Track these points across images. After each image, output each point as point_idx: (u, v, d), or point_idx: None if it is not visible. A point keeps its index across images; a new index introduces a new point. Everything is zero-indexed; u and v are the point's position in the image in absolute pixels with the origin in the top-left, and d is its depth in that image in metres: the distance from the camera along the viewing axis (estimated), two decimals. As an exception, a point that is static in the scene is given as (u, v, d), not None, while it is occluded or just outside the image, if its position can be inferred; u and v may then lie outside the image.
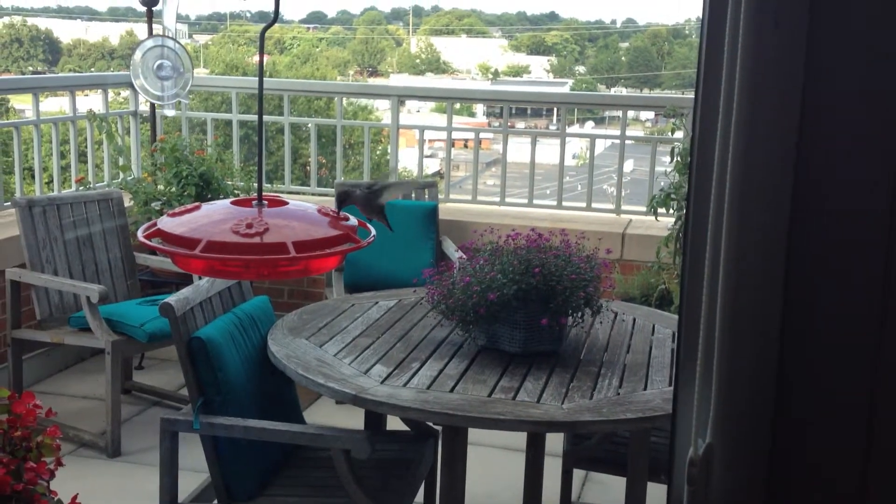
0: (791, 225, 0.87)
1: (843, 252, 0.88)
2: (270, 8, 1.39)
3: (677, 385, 0.97)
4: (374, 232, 1.50)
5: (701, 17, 0.89)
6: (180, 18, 5.42)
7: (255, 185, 5.36)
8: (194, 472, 3.13)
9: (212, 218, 1.43)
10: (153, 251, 4.44)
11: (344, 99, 6.11)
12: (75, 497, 2.00)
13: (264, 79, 1.56)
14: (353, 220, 1.48)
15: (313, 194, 6.02)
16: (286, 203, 1.47)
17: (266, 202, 1.44)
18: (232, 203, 1.46)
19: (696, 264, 0.90)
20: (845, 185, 0.88)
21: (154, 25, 5.50)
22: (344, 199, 1.61)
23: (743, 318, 0.88)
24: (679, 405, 0.94)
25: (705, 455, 0.87)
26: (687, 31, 60.56)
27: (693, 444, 0.89)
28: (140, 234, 1.41)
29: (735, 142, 0.84)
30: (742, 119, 0.83)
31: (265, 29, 1.42)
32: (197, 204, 1.48)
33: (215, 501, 2.77)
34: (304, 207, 1.51)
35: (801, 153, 0.87)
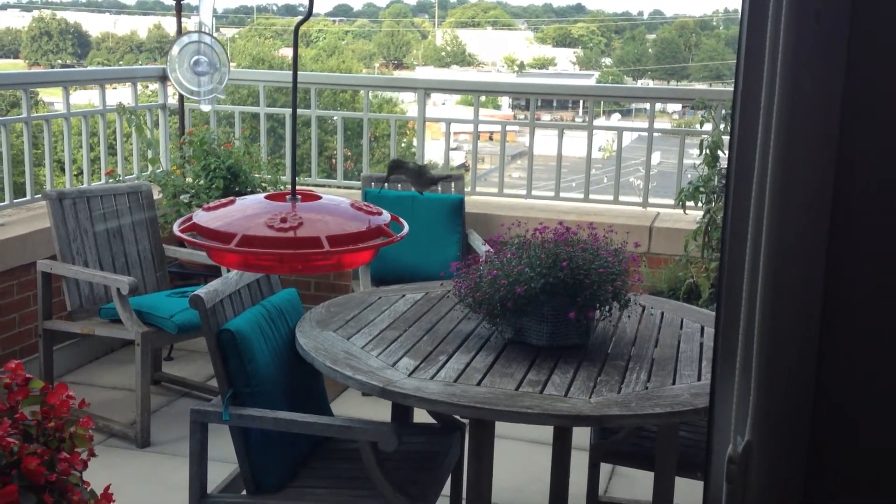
0: (832, 220, 0.86)
1: (884, 247, 0.87)
2: (296, 1, 1.39)
3: (714, 381, 0.96)
4: (406, 226, 1.50)
5: (740, 9, 0.88)
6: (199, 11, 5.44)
7: (283, 177, 5.41)
8: (223, 462, 3.16)
9: (246, 212, 1.43)
10: (182, 243, 4.45)
11: (369, 92, 6.12)
12: (107, 488, 2.02)
13: (292, 72, 1.56)
14: (386, 215, 1.49)
15: (339, 187, 6.03)
16: (319, 197, 1.47)
17: (300, 196, 1.45)
18: (266, 197, 1.46)
19: (736, 260, 0.89)
20: (886, 180, 0.87)
21: (183, 19, 5.53)
22: (395, 168, 1.61)
23: (783, 315, 0.87)
24: (717, 402, 0.94)
25: (744, 452, 0.87)
26: (714, 23, 60.06)
27: (732, 442, 0.88)
28: (176, 228, 1.42)
29: (776, 137, 0.83)
30: (783, 113, 0.83)
31: (299, 24, 1.42)
32: (231, 198, 1.49)
33: (244, 492, 2.79)
34: (338, 202, 1.51)
35: (842, 148, 0.86)
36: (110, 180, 5.19)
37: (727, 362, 0.92)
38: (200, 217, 1.42)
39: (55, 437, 1.94)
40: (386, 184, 1.61)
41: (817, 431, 0.89)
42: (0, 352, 4.40)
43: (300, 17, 1.49)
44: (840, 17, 0.83)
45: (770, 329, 0.87)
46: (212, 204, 1.47)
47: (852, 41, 0.84)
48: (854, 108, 0.85)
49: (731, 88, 0.99)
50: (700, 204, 4.71)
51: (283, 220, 1.35)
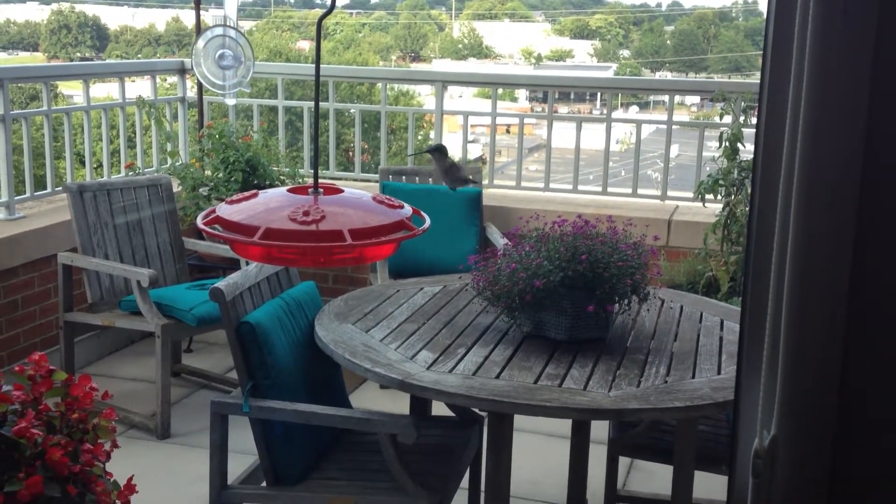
0: (859, 214, 0.86)
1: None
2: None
3: (740, 374, 0.96)
4: (427, 220, 1.51)
5: (766, 4, 0.87)
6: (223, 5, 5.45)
7: (301, 170, 5.42)
8: (243, 454, 3.17)
9: (269, 205, 1.44)
10: (202, 236, 4.46)
11: (386, 84, 6.13)
12: (131, 478, 2.04)
13: (310, 65, 1.56)
14: (408, 208, 1.49)
15: (356, 180, 6.04)
16: (342, 191, 1.48)
17: (322, 190, 1.45)
18: (288, 191, 1.47)
19: (762, 254, 0.89)
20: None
21: (201, 12, 5.54)
22: (436, 150, 1.61)
23: (809, 309, 0.86)
24: (742, 396, 0.93)
25: (770, 447, 0.86)
26: (734, 14, 59.68)
27: (759, 436, 0.88)
28: (199, 221, 1.43)
29: (804, 132, 0.82)
30: (811, 108, 0.82)
31: (322, 18, 1.42)
32: (254, 191, 1.50)
33: (264, 483, 2.80)
34: (360, 195, 1.52)
35: (870, 142, 0.85)
36: (130, 173, 5.22)
37: (753, 356, 0.92)
38: (224, 210, 1.43)
39: (78, 429, 1.96)
40: (414, 157, 1.59)
41: (844, 426, 0.89)
42: (21, 343, 4.44)
43: (319, 10, 1.50)
44: (868, 10, 0.82)
45: (797, 324, 0.86)
46: (235, 197, 1.48)
47: (880, 35, 0.83)
48: (883, 102, 0.85)
49: (751, 80, 0.98)
50: (719, 197, 4.69)
51: (306, 214, 1.36)
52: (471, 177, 1.82)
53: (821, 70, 0.82)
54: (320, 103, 6.01)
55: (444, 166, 1.70)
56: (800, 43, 0.83)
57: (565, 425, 3.45)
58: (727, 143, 4.64)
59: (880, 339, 0.89)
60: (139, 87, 6.07)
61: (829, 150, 0.85)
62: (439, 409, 3.06)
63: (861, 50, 0.83)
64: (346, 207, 1.44)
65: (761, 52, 0.93)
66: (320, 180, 1.52)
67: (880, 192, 0.87)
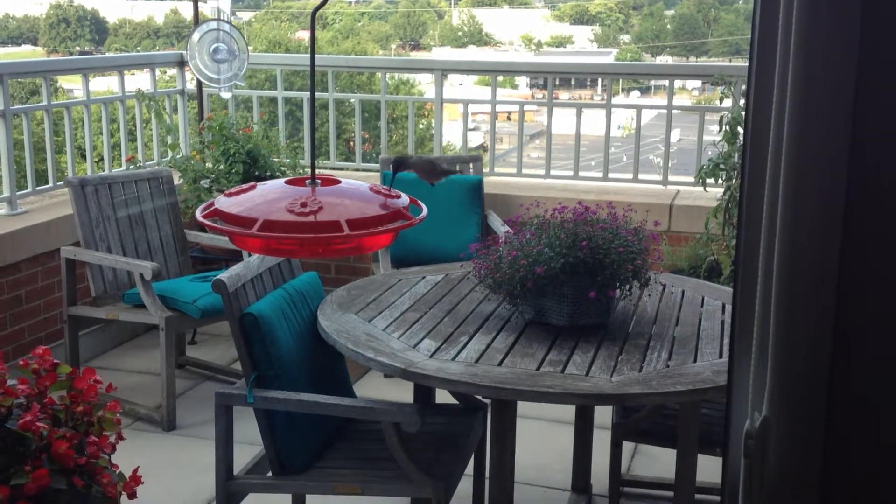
0: (848, 193, 0.86)
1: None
2: (312, -17, 1.38)
3: (732, 357, 0.97)
4: (425, 209, 1.51)
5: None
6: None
7: (301, 161, 5.42)
8: (248, 444, 3.19)
9: (267, 197, 1.45)
10: (203, 228, 4.48)
11: (386, 74, 6.13)
12: (136, 470, 2.06)
13: (309, 55, 1.57)
14: (405, 198, 1.50)
15: (357, 170, 6.05)
16: (339, 182, 1.48)
17: (319, 181, 1.46)
18: (286, 182, 1.48)
19: (752, 236, 0.89)
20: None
21: (199, 4, 5.54)
22: (399, 165, 1.62)
23: (799, 291, 0.87)
24: (735, 377, 0.94)
25: (762, 428, 0.87)
26: (734, -3, 59.38)
27: (750, 417, 0.89)
28: (198, 214, 1.44)
29: (790, 119, 0.83)
30: (796, 97, 0.82)
31: (315, 10, 1.42)
32: (252, 184, 1.51)
33: (269, 473, 2.82)
34: (357, 186, 1.53)
35: (856, 129, 0.86)
36: (131, 166, 5.23)
37: (744, 338, 0.92)
38: (222, 203, 1.44)
39: (83, 421, 1.97)
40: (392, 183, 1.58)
41: (834, 406, 0.90)
42: (26, 338, 4.46)
43: (316, 1, 1.49)
44: (851, 4, 0.82)
45: (786, 305, 0.87)
46: (233, 189, 1.49)
47: (865, 22, 0.83)
48: (868, 89, 0.85)
49: (749, 66, 0.98)
50: (720, 181, 4.69)
51: (304, 205, 1.37)
52: (448, 167, 1.79)
53: (806, 59, 0.83)
54: (320, 94, 6.02)
55: (419, 169, 1.68)
56: (784, 31, 0.83)
57: (569, 411, 3.47)
58: (727, 127, 4.64)
59: (869, 320, 0.89)
60: (139, 80, 6.06)
61: (815, 139, 0.85)
62: (443, 396, 3.08)
63: (846, 37, 0.83)
64: (344, 198, 1.45)
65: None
66: (318, 171, 1.52)
67: (869, 178, 0.87)
